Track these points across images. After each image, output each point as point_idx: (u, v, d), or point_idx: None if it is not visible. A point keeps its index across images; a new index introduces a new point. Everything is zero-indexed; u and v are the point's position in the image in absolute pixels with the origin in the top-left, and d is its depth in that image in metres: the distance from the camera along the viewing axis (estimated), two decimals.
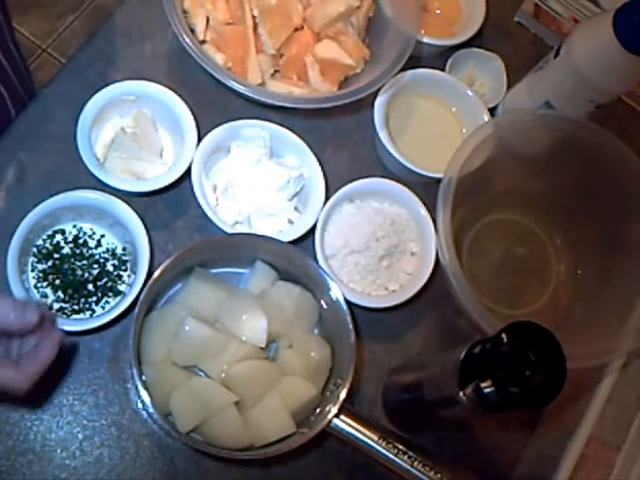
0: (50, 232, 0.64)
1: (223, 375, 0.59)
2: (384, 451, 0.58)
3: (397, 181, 0.70)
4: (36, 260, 0.63)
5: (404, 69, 0.71)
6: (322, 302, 0.64)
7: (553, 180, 0.74)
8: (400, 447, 0.58)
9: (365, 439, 0.58)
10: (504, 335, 0.47)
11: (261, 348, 0.61)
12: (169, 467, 0.62)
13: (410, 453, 0.58)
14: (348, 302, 0.62)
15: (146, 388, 0.56)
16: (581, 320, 0.71)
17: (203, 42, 0.72)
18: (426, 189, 0.70)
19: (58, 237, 0.64)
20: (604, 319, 0.68)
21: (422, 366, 0.64)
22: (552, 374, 0.47)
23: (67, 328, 0.59)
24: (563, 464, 0.63)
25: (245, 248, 0.65)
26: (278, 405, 0.59)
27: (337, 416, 0.58)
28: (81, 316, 0.62)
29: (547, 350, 0.47)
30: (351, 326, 0.61)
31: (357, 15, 0.75)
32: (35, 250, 0.63)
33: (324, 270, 0.63)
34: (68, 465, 0.60)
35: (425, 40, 0.77)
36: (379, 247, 0.67)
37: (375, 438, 0.58)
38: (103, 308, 0.63)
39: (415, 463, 0.57)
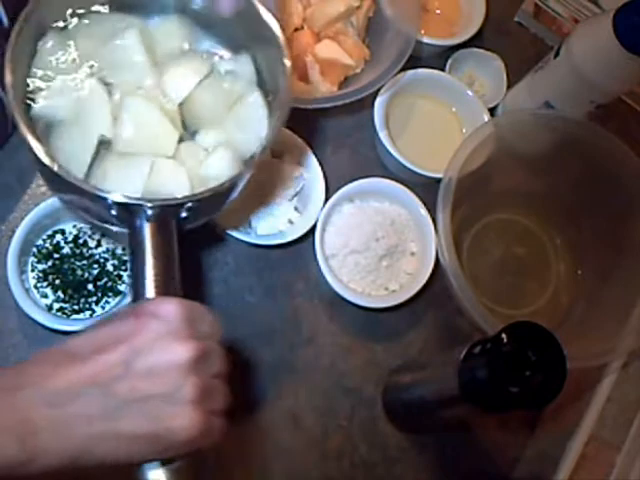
0: (50, 232, 0.64)
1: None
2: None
3: (397, 181, 0.70)
4: (36, 260, 0.63)
5: (404, 69, 0.71)
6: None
7: (553, 180, 0.74)
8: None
9: None
10: (504, 335, 0.47)
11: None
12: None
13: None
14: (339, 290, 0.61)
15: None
16: (581, 320, 0.71)
17: None
18: (426, 189, 0.70)
19: (58, 237, 0.64)
20: (604, 319, 0.68)
21: (422, 366, 0.64)
22: (552, 374, 0.47)
23: (67, 328, 0.59)
24: (563, 464, 0.63)
25: None
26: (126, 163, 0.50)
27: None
28: (81, 316, 0.62)
29: (547, 350, 0.47)
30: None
31: (357, 15, 0.75)
32: (35, 250, 0.63)
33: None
34: None
35: (425, 40, 0.77)
36: (379, 247, 0.67)
37: None
38: (103, 308, 0.63)
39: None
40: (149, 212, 0.46)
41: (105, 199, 0.45)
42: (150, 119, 0.51)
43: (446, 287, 0.64)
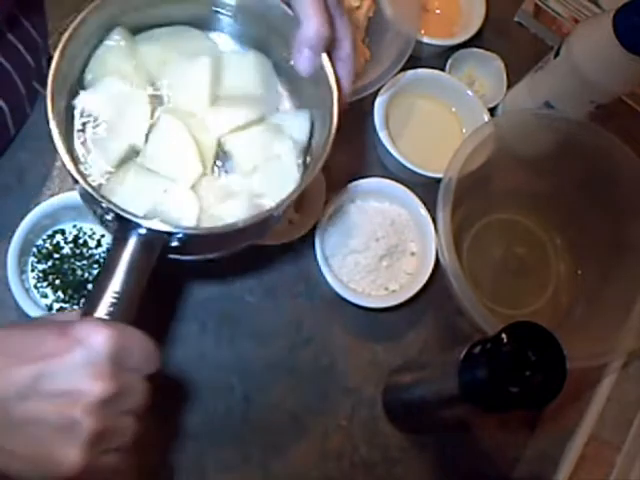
0: (50, 232, 0.64)
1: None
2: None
3: (397, 181, 0.70)
4: (36, 260, 0.63)
5: (404, 69, 0.71)
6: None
7: (553, 180, 0.74)
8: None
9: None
10: (504, 335, 0.47)
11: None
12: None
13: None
14: (346, 300, 0.61)
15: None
16: (581, 320, 0.71)
17: None
18: (426, 189, 0.70)
19: (58, 237, 0.64)
20: (604, 319, 0.68)
21: (422, 366, 0.64)
22: (552, 374, 0.47)
23: None
24: (563, 464, 0.63)
25: None
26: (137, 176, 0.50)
27: None
28: None
29: (547, 350, 0.47)
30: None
31: (357, 15, 0.75)
32: (35, 250, 0.63)
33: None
34: None
35: (425, 40, 0.77)
36: (379, 247, 0.67)
37: None
38: None
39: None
40: (138, 230, 0.44)
41: (99, 202, 0.44)
42: (178, 142, 0.50)
43: (446, 287, 0.64)
